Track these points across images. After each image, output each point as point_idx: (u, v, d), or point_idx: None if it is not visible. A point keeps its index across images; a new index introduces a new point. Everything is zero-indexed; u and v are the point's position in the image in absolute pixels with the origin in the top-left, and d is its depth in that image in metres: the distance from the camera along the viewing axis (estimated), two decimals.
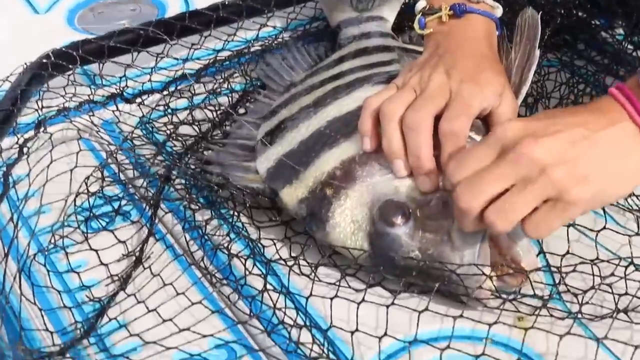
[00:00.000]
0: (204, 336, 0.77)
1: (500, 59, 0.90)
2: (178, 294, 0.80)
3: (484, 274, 0.76)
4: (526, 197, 0.72)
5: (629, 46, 1.07)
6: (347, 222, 0.83)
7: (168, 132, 1.01)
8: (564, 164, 0.71)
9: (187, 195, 0.91)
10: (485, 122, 0.85)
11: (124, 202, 0.92)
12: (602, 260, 0.80)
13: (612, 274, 0.77)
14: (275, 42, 1.17)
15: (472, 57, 0.86)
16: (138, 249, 0.86)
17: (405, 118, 0.81)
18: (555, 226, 0.74)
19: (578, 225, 0.84)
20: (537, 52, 0.90)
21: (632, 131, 0.73)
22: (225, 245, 0.85)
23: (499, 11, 0.92)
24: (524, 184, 0.71)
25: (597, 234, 0.84)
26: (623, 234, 0.84)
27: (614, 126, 0.73)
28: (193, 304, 0.79)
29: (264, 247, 0.86)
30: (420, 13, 0.92)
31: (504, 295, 0.77)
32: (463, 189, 0.74)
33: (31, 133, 0.98)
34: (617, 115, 0.74)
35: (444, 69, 0.84)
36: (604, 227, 0.84)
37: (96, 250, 0.86)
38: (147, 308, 0.79)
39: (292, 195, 0.86)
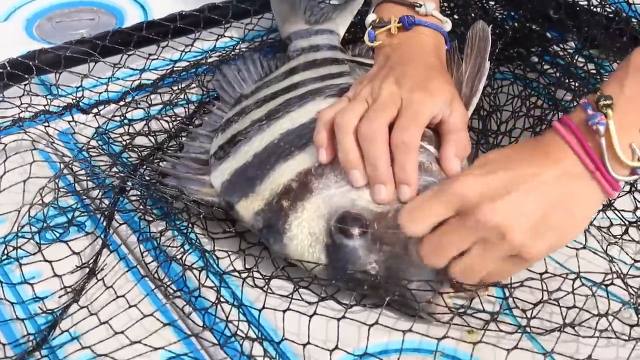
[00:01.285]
0: (156, 349, 0.77)
1: (451, 71, 0.92)
2: (130, 306, 0.80)
3: (435, 290, 0.77)
4: (486, 259, 0.75)
5: (580, 59, 1.09)
6: (304, 235, 0.83)
7: (124, 143, 1.01)
8: (522, 227, 0.72)
9: (141, 207, 0.91)
10: (436, 132, 0.86)
11: (78, 213, 0.92)
12: (551, 275, 0.81)
13: (559, 289, 0.78)
14: (233, 53, 1.17)
15: (421, 67, 0.87)
16: (92, 260, 0.86)
17: (360, 129, 0.82)
18: (512, 274, 0.78)
19: None
20: (487, 64, 0.91)
21: (578, 170, 0.73)
22: (180, 256, 0.85)
23: (447, 25, 0.93)
24: (482, 246, 0.74)
25: None
26: (571, 247, 0.86)
27: (563, 170, 0.73)
28: (145, 316, 0.79)
29: (218, 258, 0.86)
30: (370, 26, 0.93)
31: (454, 310, 0.78)
32: (427, 250, 0.76)
33: None
34: (564, 158, 0.74)
35: (394, 79, 0.85)
36: None
37: (50, 262, 0.86)
38: (100, 320, 0.79)
39: (248, 208, 0.87)
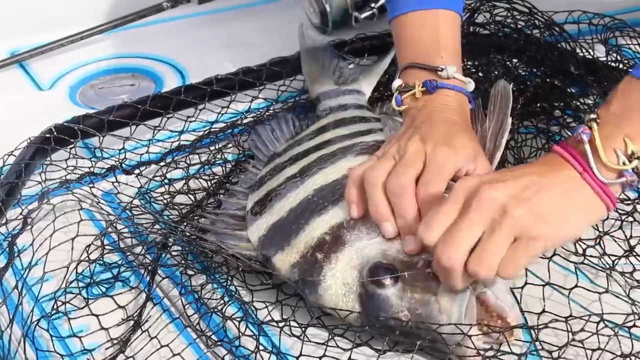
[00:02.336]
0: None
1: (475, 128, 0.96)
2: (174, 354, 0.84)
3: (464, 333, 0.80)
4: (496, 239, 0.77)
5: None
6: (339, 285, 0.86)
7: (165, 201, 1.05)
8: (522, 204, 0.77)
9: (183, 262, 0.94)
10: None
11: (123, 268, 0.95)
12: (575, 317, 0.84)
13: (582, 329, 0.81)
14: (267, 113, 1.21)
15: (445, 124, 0.91)
16: (137, 313, 0.89)
17: (388, 184, 0.86)
18: (522, 263, 0.79)
19: (554, 284, 0.89)
20: (509, 120, 0.95)
21: (575, 176, 0.80)
22: (220, 308, 0.88)
23: (470, 86, 0.98)
24: (491, 229, 0.77)
25: (569, 292, 0.88)
26: (594, 292, 0.89)
27: (558, 173, 0.80)
28: None
29: (256, 309, 0.89)
30: (397, 91, 0.98)
31: (483, 352, 0.81)
32: (441, 248, 0.79)
33: (35, 204, 1.00)
34: (560, 166, 0.81)
35: (419, 136, 0.89)
36: (576, 285, 0.89)
37: (97, 315, 0.89)
38: None
39: (284, 260, 0.90)
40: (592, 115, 0.81)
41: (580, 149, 0.80)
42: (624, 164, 0.79)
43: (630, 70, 0.84)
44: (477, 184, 0.79)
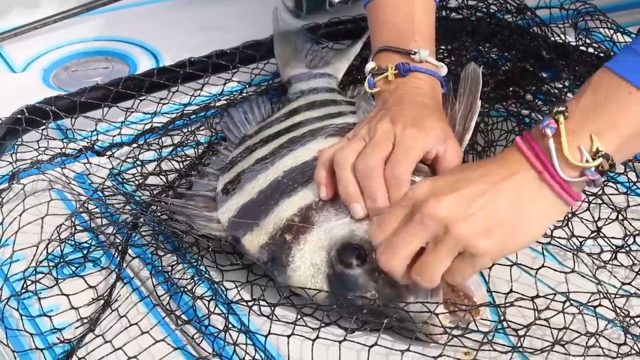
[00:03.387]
0: None
1: (445, 110, 0.96)
2: (143, 332, 0.84)
3: (431, 312, 0.81)
4: (438, 255, 0.78)
5: (571, 96, 1.12)
6: (307, 265, 0.87)
7: (137, 182, 1.05)
8: (465, 220, 0.76)
9: (153, 242, 0.95)
10: (433, 169, 0.91)
11: (93, 248, 0.96)
12: (541, 297, 0.84)
13: (548, 308, 0.82)
14: (240, 96, 1.22)
15: (416, 107, 0.92)
16: (107, 292, 0.90)
17: (357, 166, 0.87)
18: (467, 275, 0.80)
19: (521, 264, 0.90)
20: (479, 103, 0.95)
21: (533, 178, 0.78)
22: (190, 287, 0.89)
23: (443, 70, 0.98)
24: (434, 243, 0.78)
25: (536, 272, 0.90)
26: (560, 271, 0.90)
27: (515, 175, 0.78)
28: (157, 341, 0.83)
29: (226, 289, 0.90)
30: (370, 74, 0.98)
31: (451, 331, 0.82)
32: (381, 251, 0.81)
33: (5, 185, 1.01)
34: (518, 165, 0.79)
35: (389, 118, 0.90)
36: (543, 266, 0.90)
37: (67, 295, 0.89)
38: (114, 347, 0.83)
39: (253, 242, 0.91)
40: (560, 108, 0.78)
41: (544, 143, 0.78)
42: (587, 161, 0.76)
43: (606, 62, 0.81)
44: (426, 195, 0.78)
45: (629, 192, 1.00)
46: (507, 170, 0.79)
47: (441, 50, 1.22)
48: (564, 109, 0.78)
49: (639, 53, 0.79)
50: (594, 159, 0.76)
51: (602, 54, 1.14)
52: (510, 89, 1.16)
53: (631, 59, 0.79)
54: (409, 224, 0.78)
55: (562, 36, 1.20)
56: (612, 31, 1.15)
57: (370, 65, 0.99)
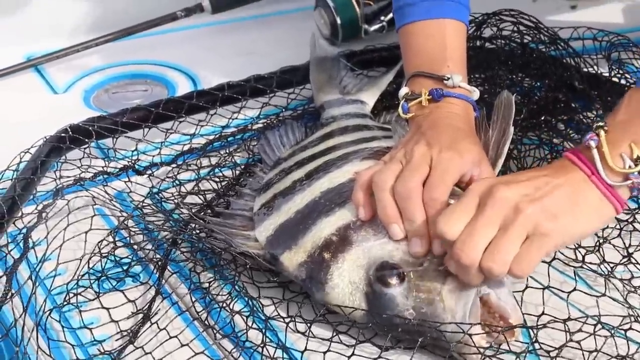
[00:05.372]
0: None
1: (479, 136, 0.98)
2: (182, 345, 0.86)
3: (464, 332, 0.82)
4: (510, 237, 0.80)
5: None
6: (345, 283, 0.88)
7: (175, 201, 1.07)
8: (534, 202, 0.81)
9: (192, 258, 0.97)
10: None
11: (133, 263, 0.98)
12: (572, 319, 0.86)
13: (580, 330, 0.83)
14: (276, 120, 1.24)
15: (450, 130, 0.94)
16: (146, 306, 0.92)
17: (396, 188, 0.89)
18: (534, 260, 0.81)
19: (553, 287, 0.92)
20: (511, 129, 0.97)
21: (584, 178, 0.83)
22: (227, 303, 0.91)
23: (475, 94, 1.00)
24: (505, 227, 0.80)
25: (568, 295, 0.91)
26: (591, 295, 0.91)
27: (569, 174, 0.84)
28: (196, 354, 0.85)
29: (263, 305, 0.91)
30: (404, 99, 1.01)
31: (482, 350, 0.83)
32: (460, 246, 0.82)
33: (49, 200, 1.03)
34: (569, 168, 0.84)
35: (425, 141, 0.92)
36: (574, 289, 0.91)
37: (107, 308, 0.91)
38: (153, 358, 0.85)
39: (291, 259, 0.92)
40: (600, 123, 0.85)
41: (588, 154, 0.84)
42: (629, 167, 0.82)
43: (633, 84, 0.87)
44: (492, 185, 0.83)
45: None
46: (562, 170, 0.85)
47: (475, 78, 1.24)
48: (603, 123, 0.85)
49: None
50: (635, 165, 0.82)
51: (633, 85, 1.15)
52: (543, 117, 1.18)
53: None
54: (483, 212, 0.81)
55: (595, 67, 1.22)
56: None
57: (403, 90, 1.01)
